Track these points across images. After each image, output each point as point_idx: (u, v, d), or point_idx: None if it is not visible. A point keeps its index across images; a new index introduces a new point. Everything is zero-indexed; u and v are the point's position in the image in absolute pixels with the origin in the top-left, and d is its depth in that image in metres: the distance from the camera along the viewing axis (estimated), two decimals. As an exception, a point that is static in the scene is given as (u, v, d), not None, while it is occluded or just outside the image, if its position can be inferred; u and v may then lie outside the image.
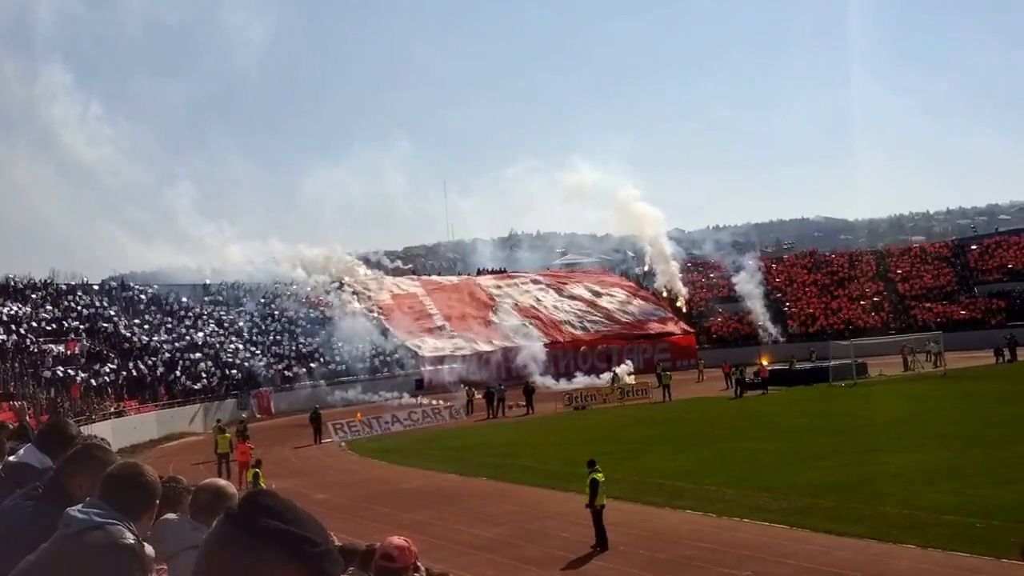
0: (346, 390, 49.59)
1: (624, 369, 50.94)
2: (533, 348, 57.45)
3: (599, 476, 15.21)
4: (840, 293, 67.81)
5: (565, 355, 59.71)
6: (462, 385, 48.11)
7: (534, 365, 54.78)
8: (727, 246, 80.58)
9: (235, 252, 63.68)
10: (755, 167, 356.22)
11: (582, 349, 60.71)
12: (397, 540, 4.38)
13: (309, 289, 60.09)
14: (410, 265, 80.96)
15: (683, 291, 70.94)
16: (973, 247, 69.43)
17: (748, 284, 67.55)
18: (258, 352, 51.49)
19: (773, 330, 63.54)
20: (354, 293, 61.39)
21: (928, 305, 63.28)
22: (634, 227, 76.08)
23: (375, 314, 59.37)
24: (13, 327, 41.35)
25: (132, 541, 2.48)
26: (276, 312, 56.81)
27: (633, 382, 47.31)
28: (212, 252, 63.04)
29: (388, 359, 54.94)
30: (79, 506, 2.54)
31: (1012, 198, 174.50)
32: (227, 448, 27.31)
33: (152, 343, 47.35)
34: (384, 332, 57.26)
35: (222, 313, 54.42)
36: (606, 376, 50.77)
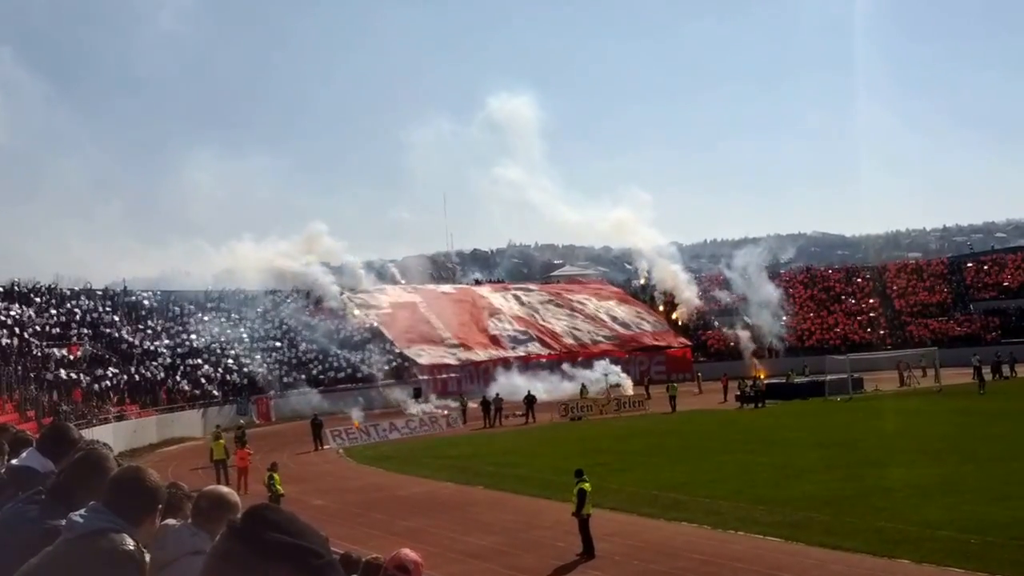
0: (345, 397, 49.39)
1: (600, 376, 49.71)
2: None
3: (586, 486, 15.35)
4: (836, 308, 67.85)
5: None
6: (458, 397, 47.80)
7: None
8: (726, 259, 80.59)
9: (235, 258, 63.80)
10: (753, 183, 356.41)
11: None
12: (411, 553, 4.33)
13: (310, 296, 60.10)
14: (407, 278, 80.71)
15: (690, 298, 70.78)
16: (969, 264, 69.58)
17: (760, 285, 67.53)
18: (258, 358, 51.45)
19: (772, 338, 63.57)
20: (352, 301, 61.38)
21: (924, 321, 63.41)
22: (629, 236, 76.22)
23: (374, 322, 59.35)
24: (17, 330, 41.41)
25: (132, 547, 2.50)
26: (277, 319, 56.79)
27: (618, 392, 47.10)
28: (212, 257, 63.11)
29: (386, 367, 54.87)
30: (81, 511, 2.55)
31: (1008, 216, 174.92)
32: (222, 455, 27.09)
33: (153, 348, 47.38)
34: (383, 340, 57.20)
35: (223, 319, 54.42)
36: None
